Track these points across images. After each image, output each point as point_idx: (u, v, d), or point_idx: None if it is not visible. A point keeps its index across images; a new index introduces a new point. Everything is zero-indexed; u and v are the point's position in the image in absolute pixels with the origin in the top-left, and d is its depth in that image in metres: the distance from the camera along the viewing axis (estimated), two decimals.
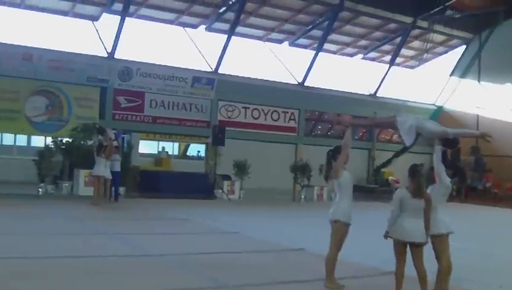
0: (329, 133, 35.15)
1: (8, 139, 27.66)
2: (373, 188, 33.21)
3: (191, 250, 11.68)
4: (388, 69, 36.57)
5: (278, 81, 33.27)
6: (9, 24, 27.65)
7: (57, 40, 27.86)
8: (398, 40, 35.38)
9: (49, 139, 24.75)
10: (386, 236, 8.18)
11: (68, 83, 26.45)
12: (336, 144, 8.99)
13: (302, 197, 27.92)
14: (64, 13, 28.85)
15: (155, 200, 22.56)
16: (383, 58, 37.58)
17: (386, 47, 36.59)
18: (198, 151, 34.00)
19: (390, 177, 34.81)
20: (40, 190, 21.67)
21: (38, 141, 27.37)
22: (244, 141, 29.82)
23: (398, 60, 37.40)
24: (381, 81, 36.70)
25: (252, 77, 32.16)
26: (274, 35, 33.78)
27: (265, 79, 32.62)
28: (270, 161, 29.89)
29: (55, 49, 27.17)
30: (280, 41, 34.54)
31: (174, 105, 29.20)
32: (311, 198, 27.94)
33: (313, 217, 18.10)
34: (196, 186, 25.42)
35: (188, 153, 34.55)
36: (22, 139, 27.93)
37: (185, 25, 31.70)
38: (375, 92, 36.77)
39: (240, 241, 13.53)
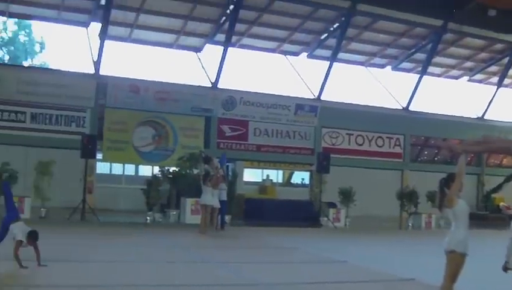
0: (436, 158, 34.22)
1: (117, 168, 28.48)
2: (484, 215, 31.89)
3: (299, 279, 11.48)
4: (496, 91, 35.30)
5: (381, 106, 32.77)
6: (117, 58, 28.67)
7: (162, 71, 28.63)
8: (506, 60, 34.11)
9: (156, 169, 25.27)
10: (505, 268, 7.68)
11: (173, 113, 27.08)
12: (444, 169, 8.59)
13: (410, 224, 27.17)
14: (168, 45, 29.69)
15: (260, 228, 22.51)
16: (490, 80, 36.34)
17: (493, 68, 35.37)
18: (303, 179, 33.82)
19: (501, 203, 33.20)
20: (148, 218, 22.11)
21: (146, 171, 28.03)
22: (349, 168, 29.44)
23: (507, 81, 36.01)
24: (489, 104, 35.45)
25: (355, 103, 31.82)
26: (376, 60, 33.42)
27: (368, 105, 32.19)
28: (376, 188, 29.30)
29: (161, 80, 27.92)
30: (382, 66, 34.11)
31: (277, 133, 29.28)
32: (418, 226, 27.16)
33: (423, 245, 17.53)
34: (301, 214, 25.27)
35: (292, 181, 34.44)
36: (130, 169, 28.69)
37: (286, 52, 31.88)
38: (483, 114, 35.54)
39: (348, 270, 13.20)
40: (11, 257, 10.76)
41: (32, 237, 10.93)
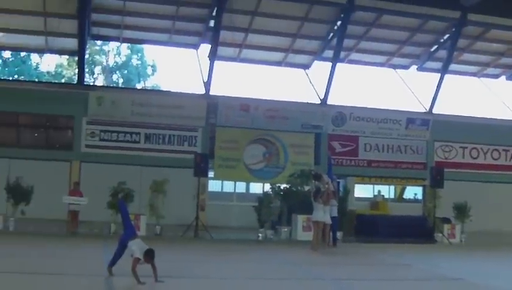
0: None
1: (228, 186, 28.85)
2: None
3: None
4: None
5: (496, 118, 31.57)
6: (227, 77, 29.19)
7: (271, 89, 28.88)
8: None
9: (266, 186, 25.44)
10: None
11: (283, 130, 27.23)
12: None
13: None
14: (277, 63, 29.99)
15: (372, 244, 22.13)
16: None
17: None
18: (415, 194, 33.02)
19: None
20: (259, 235, 22.21)
21: (256, 188, 28.23)
22: (463, 182, 28.51)
23: None
24: None
25: (469, 115, 30.82)
26: (490, 70, 32.31)
27: (483, 117, 31.09)
28: (492, 202, 28.21)
29: (270, 98, 28.17)
30: (496, 76, 32.93)
31: (388, 148, 28.89)
32: None
33: None
34: (414, 230, 24.63)
35: (404, 196, 33.74)
36: (241, 186, 28.99)
37: (396, 66, 31.43)
38: None
39: (464, 288, 12.75)
40: (129, 273, 11.09)
41: (149, 256, 11.22)
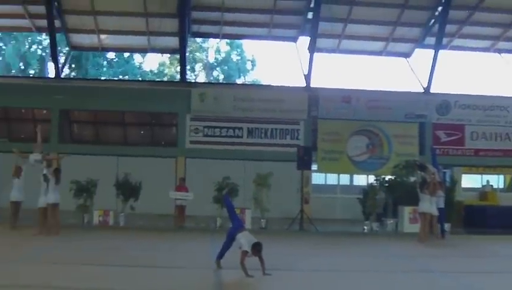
0: None
1: (331, 178, 28.66)
2: None
3: None
4: None
5: None
6: (327, 69, 29.01)
7: (372, 79, 28.46)
8: None
9: (371, 178, 25.10)
10: None
11: (386, 121, 26.75)
12: None
13: None
14: (377, 53, 29.52)
15: (481, 236, 21.38)
16: None
17: None
18: None
19: None
20: (365, 227, 21.96)
21: (360, 180, 27.91)
22: None
23: None
24: None
25: None
26: None
27: None
28: None
29: (372, 89, 27.77)
30: None
31: (496, 136, 27.79)
32: None
33: None
34: None
35: None
36: (344, 179, 28.73)
37: (501, 51, 30.18)
38: None
39: None
40: (237, 266, 11.21)
41: (257, 249, 11.29)
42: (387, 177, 23.40)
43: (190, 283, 10.86)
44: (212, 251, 13.65)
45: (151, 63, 49.43)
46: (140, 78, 45.05)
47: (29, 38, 45.64)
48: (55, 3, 26.78)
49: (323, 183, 28.52)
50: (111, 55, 45.71)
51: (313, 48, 26.83)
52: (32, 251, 14.42)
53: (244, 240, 11.46)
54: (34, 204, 17.92)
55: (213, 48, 48.69)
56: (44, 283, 10.30)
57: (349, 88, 27.89)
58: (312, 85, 27.26)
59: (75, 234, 18.23)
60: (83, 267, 12.12)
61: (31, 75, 44.30)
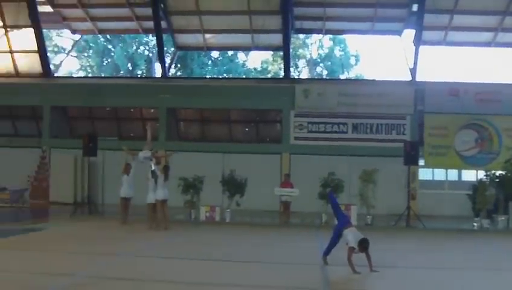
0: None
1: (439, 174, 27.97)
2: None
3: None
4: None
5: None
6: (433, 62, 28.33)
7: (481, 72, 27.57)
8: None
9: (480, 173, 24.32)
10: None
11: (496, 114, 25.79)
12: None
13: None
14: (486, 44, 28.57)
15: None
16: None
17: None
18: None
19: None
20: (475, 224, 21.30)
21: (469, 175, 27.09)
22: None
23: None
24: None
25: None
26: None
27: None
28: None
29: (480, 81, 26.88)
30: None
31: None
32: None
33: None
34: None
35: None
36: (452, 174, 27.97)
37: None
38: None
39: None
40: (344, 263, 11.16)
41: (363, 245, 11.19)
42: (498, 173, 22.59)
43: (297, 279, 10.89)
44: (318, 247, 13.65)
45: (255, 60, 49.85)
46: (244, 76, 45.54)
47: (137, 40, 47.12)
48: (161, 5, 27.57)
49: (431, 178, 27.86)
50: (215, 54, 46.47)
51: (418, 41, 26.31)
52: (142, 245, 14.89)
53: (351, 236, 11.38)
54: (143, 200, 18.52)
55: (316, 44, 48.60)
56: (154, 277, 10.62)
57: (457, 81, 27.09)
58: (418, 79, 26.74)
59: (183, 229, 18.70)
60: (191, 261, 12.44)
61: (139, 76, 45.72)
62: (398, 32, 28.80)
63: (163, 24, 28.21)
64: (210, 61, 47.54)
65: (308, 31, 32.99)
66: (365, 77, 45.50)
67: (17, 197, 25.00)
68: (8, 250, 13.50)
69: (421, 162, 24.93)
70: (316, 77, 45.40)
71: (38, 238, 16.04)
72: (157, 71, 42.32)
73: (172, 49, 33.46)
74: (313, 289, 10.37)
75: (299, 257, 13.34)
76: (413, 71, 26.72)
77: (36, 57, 28.92)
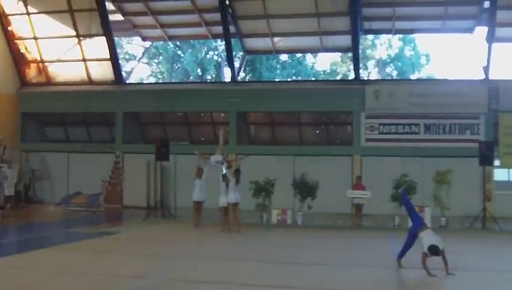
0: None
1: None
2: None
3: None
4: None
5: None
6: (507, 59, 27.57)
7: None
8: None
9: None
10: None
11: None
12: None
13: None
14: None
15: None
16: None
17: None
18: None
19: None
20: None
21: None
22: None
23: None
24: None
25: None
26: None
27: None
28: None
29: None
30: None
31: None
32: None
33: None
34: None
35: None
36: None
37: None
38: None
39: None
40: (419, 266, 11.00)
41: (433, 251, 10.96)
42: None
43: (372, 282, 10.77)
44: (392, 249, 13.47)
45: (323, 62, 49.65)
46: (313, 78, 45.43)
47: (206, 45, 47.62)
48: (230, 10, 27.75)
49: (507, 179, 27.09)
50: (284, 57, 46.52)
51: (491, 38, 25.64)
52: (215, 248, 15.02)
53: (426, 240, 11.16)
54: (215, 204, 18.67)
55: (385, 44, 48.04)
56: (228, 279, 10.66)
57: None
58: (491, 77, 26.03)
59: (255, 232, 18.76)
60: (264, 264, 12.45)
61: (208, 81, 46.16)
62: (470, 30, 28.13)
63: (232, 29, 28.39)
64: (278, 65, 47.60)
65: (377, 32, 32.62)
66: (436, 77, 44.67)
67: (92, 201, 25.59)
68: (83, 253, 13.86)
69: (496, 163, 24.30)
70: (386, 78, 44.81)
71: (112, 241, 16.40)
72: (226, 75, 42.75)
73: (241, 53, 33.68)
74: None
75: (373, 260, 13.19)
76: (486, 69, 26.04)
77: (108, 65, 29.58)
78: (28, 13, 29.58)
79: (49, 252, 13.90)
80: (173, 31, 31.66)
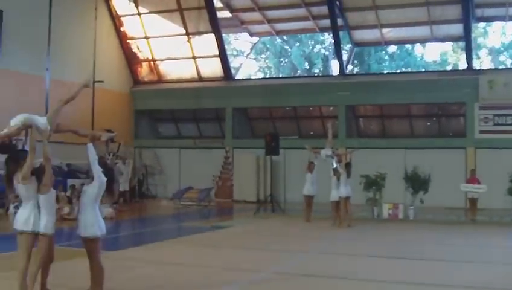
0: None
1: None
2: None
3: None
4: None
5: None
6: None
7: None
8: None
9: None
10: None
11: None
12: None
13: None
14: None
15: None
16: None
17: None
18: None
19: None
20: None
21: None
22: None
23: None
24: None
25: None
26: None
27: None
28: None
29: None
30: None
31: None
32: None
33: None
34: None
35: None
36: None
37: None
38: None
39: None
40: None
41: None
42: None
43: (502, 279, 10.31)
44: (509, 245, 12.95)
45: (433, 53, 48.36)
46: (423, 70, 44.38)
47: (313, 39, 47.47)
48: (337, 2, 27.50)
49: None
50: (392, 48, 45.66)
51: None
52: (327, 242, 14.95)
53: None
54: (326, 198, 18.57)
55: (498, 32, 46.22)
56: (342, 274, 10.55)
57: None
58: None
59: (366, 226, 18.54)
60: (378, 259, 12.24)
61: (316, 74, 46.00)
62: None
63: (339, 21, 28.15)
64: (387, 56, 46.80)
65: (490, 19, 31.37)
66: None
67: (204, 196, 26.05)
68: (197, 246, 14.15)
69: None
70: (501, 67, 43.09)
71: (225, 235, 16.66)
72: (334, 69, 42.43)
73: (349, 45, 33.34)
74: None
75: (496, 256, 12.80)
76: None
77: (217, 61, 30.05)
78: (139, 13, 30.52)
79: (164, 245, 14.27)
80: (280, 26, 31.78)
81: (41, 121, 8.13)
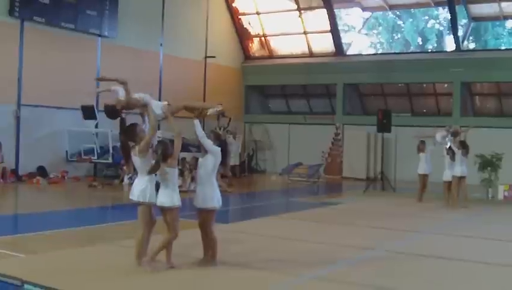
0: None
1: None
2: None
3: None
4: None
5: None
6: None
7: None
8: None
9: None
10: None
11: None
12: None
13: None
14: None
15: None
16: None
17: None
18: None
19: None
20: None
21: None
22: None
23: None
24: None
25: None
26: None
27: None
28: None
29: None
30: None
31: None
32: None
33: None
34: None
35: None
36: None
37: None
38: None
39: None
40: None
41: None
42: None
43: None
44: None
45: None
46: None
47: (427, 14, 46.15)
48: None
49: None
50: (511, 23, 43.71)
51: None
52: (440, 222, 14.61)
53: None
54: (440, 177, 18.08)
55: None
56: (455, 255, 10.24)
57: None
58: None
59: (481, 207, 17.92)
60: (492, 241, 11.84)
61: (430, 50, 44.77)
62: None
63: None
64: (505, 31, 44.87)
65: None
66: None
67: (313, 172, 26.00)
68: (307, 221, 14.18)
69: None
70: None
71: (336, 211, 16.58)
72: (448, 45, 41.16)
73: (465, 21, 32.19)
74: None
75: None
76: None
77: (328, 37, 29.83)
78: None
79: (274, 219, 14.37)
80: (393, 0, 31.11)
81: (157, 106, 8.34)
